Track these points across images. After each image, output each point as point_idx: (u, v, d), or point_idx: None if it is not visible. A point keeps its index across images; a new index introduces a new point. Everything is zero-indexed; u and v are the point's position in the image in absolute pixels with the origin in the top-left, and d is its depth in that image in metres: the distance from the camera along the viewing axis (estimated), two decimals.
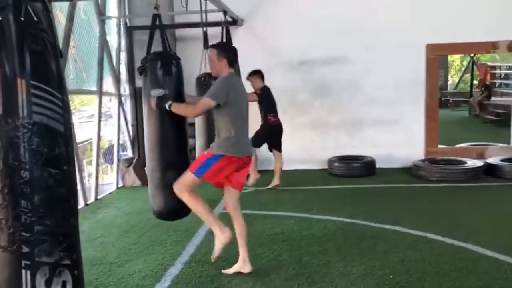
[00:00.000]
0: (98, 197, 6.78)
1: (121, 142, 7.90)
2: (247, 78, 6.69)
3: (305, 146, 8.40)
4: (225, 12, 6.67)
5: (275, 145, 6.90)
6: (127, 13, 7.99)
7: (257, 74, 6.68)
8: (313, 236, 4.89)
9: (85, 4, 6.72)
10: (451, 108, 19.07)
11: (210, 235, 4.98)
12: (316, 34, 8.10)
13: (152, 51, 3.94)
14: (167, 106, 3.72)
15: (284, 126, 8.28)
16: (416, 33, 7.90)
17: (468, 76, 20.56)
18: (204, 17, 5.72)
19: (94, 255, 4.52)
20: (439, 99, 18.71)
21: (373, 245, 4.58)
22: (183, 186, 3.63)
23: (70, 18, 6.07)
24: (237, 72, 4.60)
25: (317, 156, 8.25)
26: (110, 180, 7.60)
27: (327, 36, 8.08)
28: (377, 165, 7.92)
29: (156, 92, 3.80)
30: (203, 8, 5.70)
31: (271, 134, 6.77)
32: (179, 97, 3.84)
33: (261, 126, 6.73)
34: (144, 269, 4.15)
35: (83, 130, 7.23)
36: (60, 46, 5.79)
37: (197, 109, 3.76)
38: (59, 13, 5.98)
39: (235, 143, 3.70)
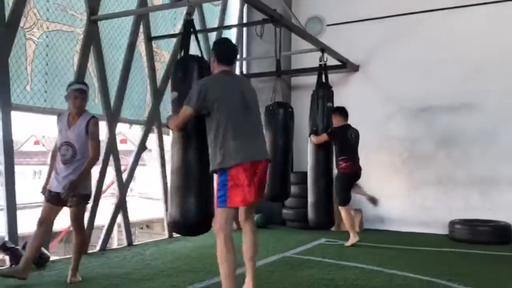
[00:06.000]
0: None
1: None
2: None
3: (425, 205, 7.19)
4: (322, 51, 6.39)
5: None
6: (243, 62, 8.30)
7: (335, 111, 5.95)
8: (365, 287, 3.97)
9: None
10: None
11: None
12: (439, 78, 7.15)
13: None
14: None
15: (401, 180, 7.36)
16: None
17: None
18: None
19: None
20: None
21: None
22: (218, 225, 3.17)
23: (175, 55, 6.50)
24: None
25: (439, 217, 6.95)
26: None
27: (452, 79, 7.06)
28: None
29: (171, 95, 3.68)
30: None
31: (344, 181, 5.84)
32: None
33: (336, 177, 5.92)
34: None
35: None
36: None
37: (178, 120, 3.32)
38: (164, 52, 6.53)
39: (234, 148, 3.14)
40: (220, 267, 3.14)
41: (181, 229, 3.75)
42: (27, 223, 4.79)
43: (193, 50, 4.04)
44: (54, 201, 3.87)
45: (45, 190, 3.95)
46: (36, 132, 27.70)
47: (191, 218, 3.58)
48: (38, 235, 3.84)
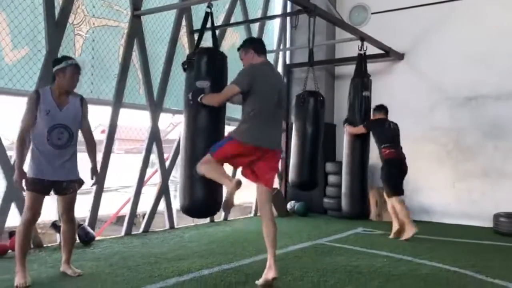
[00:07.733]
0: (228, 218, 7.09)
1: None
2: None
3: (470, 198, 7.00)
4: (362, 39, 6.36)
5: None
6: (287, 52, 8.39)
7: (376, 109, 5.89)
8: (387, 274, 4.02)
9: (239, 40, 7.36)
10: None
11: None
12: (487, 66, 6.90)
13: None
14: (199, 99, 3.71)
15: (446, 172, 7.21)
16: None
17: None
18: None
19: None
20: None
21: None
22: (201, 163, 3.54)
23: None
24: None
25: (484, 210, 6.75)
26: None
27: (500, 67, 6.80)
28: None
29: (202, 83, 3.80)
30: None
31: (390, 168, 5.66)
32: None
33: (382, 166, 5.79)
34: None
35: None
36: None
37: (221, 95, 3.66)
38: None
39: (249, 128, 3.53)
40: (212, 175, 3.49)
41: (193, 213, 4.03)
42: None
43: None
44: (45, 191, 3.40)
45: (21, 181, 3.33)
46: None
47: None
48: (28, 234, 3.45)
